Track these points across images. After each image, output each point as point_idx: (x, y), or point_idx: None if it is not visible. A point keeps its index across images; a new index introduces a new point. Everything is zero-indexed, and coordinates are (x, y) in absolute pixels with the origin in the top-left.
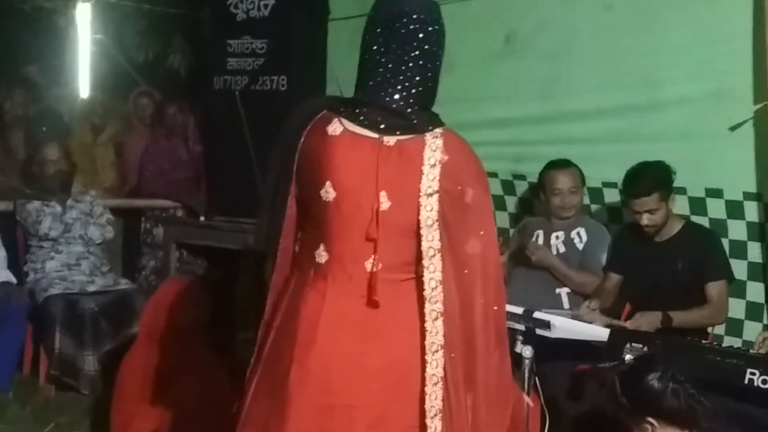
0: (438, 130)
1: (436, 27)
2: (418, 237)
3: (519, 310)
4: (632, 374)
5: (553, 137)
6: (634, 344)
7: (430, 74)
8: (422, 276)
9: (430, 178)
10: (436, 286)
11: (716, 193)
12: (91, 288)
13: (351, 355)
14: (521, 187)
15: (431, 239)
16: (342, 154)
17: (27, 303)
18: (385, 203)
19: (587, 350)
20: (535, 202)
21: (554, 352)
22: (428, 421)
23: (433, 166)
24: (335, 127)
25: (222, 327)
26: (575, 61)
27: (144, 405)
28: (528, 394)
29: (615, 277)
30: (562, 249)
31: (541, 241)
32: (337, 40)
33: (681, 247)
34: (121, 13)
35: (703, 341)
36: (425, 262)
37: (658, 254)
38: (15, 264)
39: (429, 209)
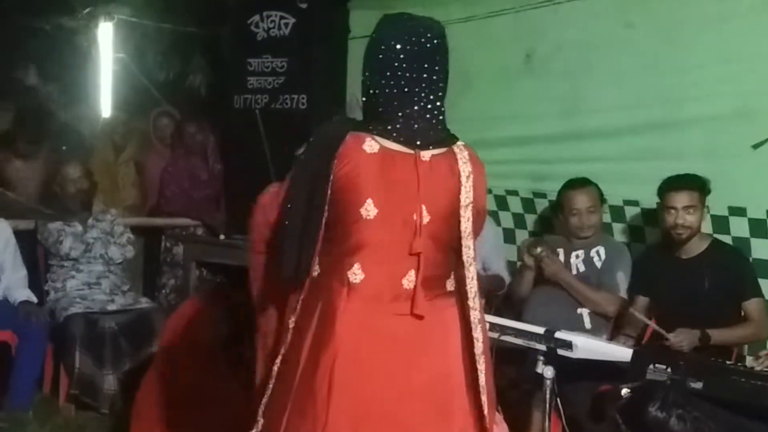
0: (461, 143)
1: (448, 48)
2: (457, 248)
3: (540, 330)
4: (632, 407)
5: (574, 155)
6: (657, 365)
7: (445, 92)
8: (465, 285)
9: (467, 190)
10: (476, 295)
11: (739, 211)
12: (111, 307)
13: (398, 376)
14: (541, 205)
15: (468, 249)
16: (382, 171)
17: (47, 322)
18: (426, 217)
19: (609, 371)
20: (555, 221)
21: (575, 373)
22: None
23: (468, 177)
24: (371, 145)
25: (242, 346)
26: (596, 80)
27: (163, 424)
28: (549, 415)
29: (643, 300)
30: (582, 268)
31: (561, 259)
32: (357, 58)
33: (708, 265)
34: (141, 32)
35: (727, 361)
36: (466, 272)
37: (685, 272)
38: (36, 283)
39: (467, 219)
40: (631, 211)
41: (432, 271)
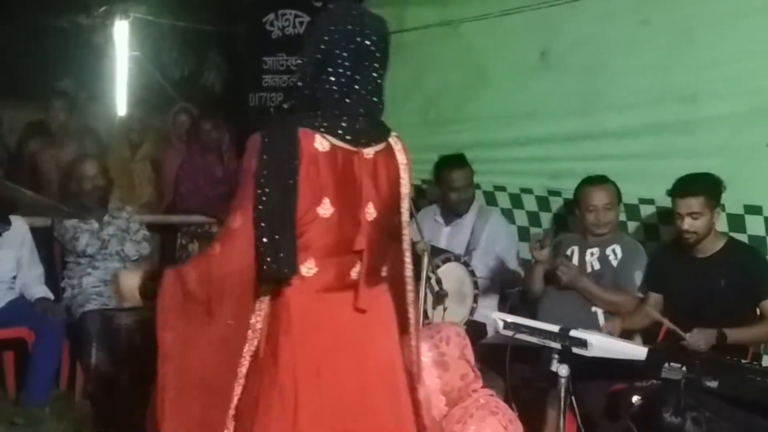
0: (394, 134)
1: (389, 43)
2: (398, 236)
3: (555, 328)
4: (645, 413)
5: (589, 153)
6: (672, 363)
7: (384, 88)
8: (404, 271)
9: (406, 180)
10: (411, 277)
11: (755, 209)
12: (127, 304)
13: (354, 363)
14: (556, 203)
15: (406, 236)
16: (333, 169)
17: (64, 319)
18: (371, 213)
19: (623, 369)
20: (570, 219)
21: (590, 371)
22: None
23: (405, 168)
24: (323, 143)
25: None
26: (611, 77)
27: None
28: (564, 413)
29: (655, 297)
30: (597, 266)
31: (576, 257)
32: None
33: (724, 264)
34: (157, 30)
35: (743, 360)
36: (406, 258)
37: (700, 271)
38: (52, 280)
39: (406, 209)
40: (646, 210)
41: (376, 261)
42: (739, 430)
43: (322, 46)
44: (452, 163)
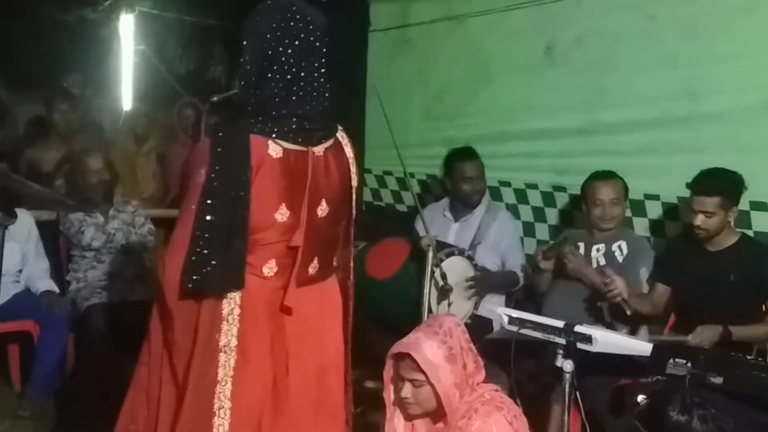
0: (340, 128)
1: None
2: (348, 228)
3: (560, 323)
4: (652, 412)
5: (595, 149)
6: (677, 359)
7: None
8: (349, 261)
9: (353, 173)
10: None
11: (761, 206)
12: (132, 297)
13: (316, 354)
14: (562, 199)
15: (352, 226)
16: (287, 173)
17: (69, 312)
18: (324, 209)
19: (628, 365)
20: (576, 215)
21: (595, 366)
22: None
23: (352, 162)
24: (276, 149)
25: None
26: (617, 72)
27: None
28: (569, 409)
29: (662, 288)
30: (602, 262)
31: (581, 253)
32: (378, 51)
33: (735, 259)
34: (163, 24)
35: (748, 356)
36: (351, 249)
37: (711, 265)
38: (57, 273)
39: (353, 201)
40: (651, 206)
41: (330, 254)
42: (745, 426)
43: (265, 45)
44: (463, 154)
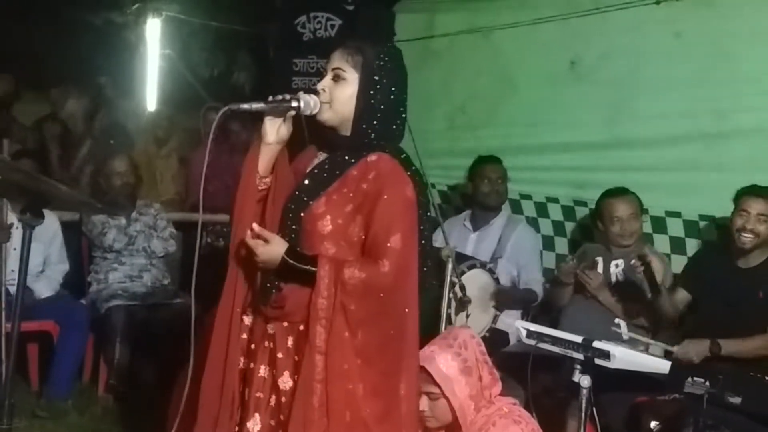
0: None
1: None
2: None
3: (578, 339)
4: None
5: (616, 164)
6: (695, 378)
7: None
8: None
9: None
10: None
11: None
12: (152, 300)
13: None
14: (582, 213)
15: None
16: None
17: (89, 313)
18: None
19: (646, 382)
20: (595, 231)
21: (611, 383)
22: None
23: None
24: None
25: None
26: (641, 88)
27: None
28: (585, 424)
29: (683, 294)
30: (621, 277)
31: (600, 268)
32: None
33: (766, 276)
34: (189, 29)
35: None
36: None
37: (740, 280)
38: (79, 274)
39: None
40: (672, 223)
41: None
42: None
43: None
44: (487, 158)
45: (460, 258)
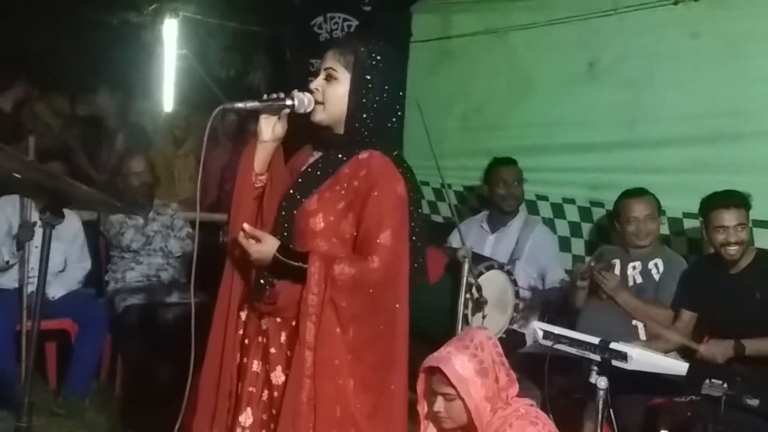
0: None
1: None
2: None
3: (595, 340)
4: None
5: (633, 165)
6: (713, 380)
7: None
8: None
9: None
10: None
11: None
12: (169, 299)
13: None
14: (598, 214)
15: None
16: None
17: (106, 312)
18: None
19: (663, 383)
20: (612, 233)
21: (628, 384)
22: None
23: None
24: None
25: None
26: (658, 89)
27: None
28: (601, 426)
29: (688, 314)
30: (639, 280)
31: (617, 270)
32: (418, 62)
33: (759, 277)
34: (205, 29)
35: None
36: None
37: (734, 286)
38: (96, 273)
39: None
40: (690, 224)
41: None
42: None
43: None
44: (502, 160)
45: (478, 259)
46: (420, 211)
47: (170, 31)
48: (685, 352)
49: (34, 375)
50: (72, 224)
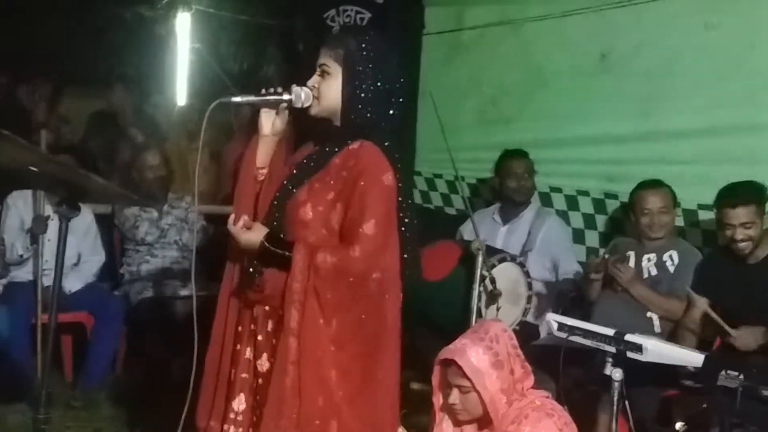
0: None
1: None
2: None
3: (610, 332)
4: None
5: (647, 157)
6: (729, 371)
7: None
8: None
9: None
10: None
11: None
12: (184, 292)
13: None
14: (612, 206)
15: None
16: None
17: (121, 305)
18: None
19: (678, 375)
20: (627, 222)
21: (643, 376)
22: None
23: None
24: None
25: None
26: (673, 81)
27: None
28: (617, 418)
29: (703, 301)
30: (654, 272)
31: (632, 262)
32: (431, 54)
33: None
34: (218, 23)
35: None
36: None
37: (752, 277)
38: (111, 267)
39: None
40: (705, 215)
41: None
42: None
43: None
44: (513, 153)
45: (491, 251)
46: (411, 201)
47: (183, 25)
48: (701, 344)
49: (50, 368)
50: (84, 217)
